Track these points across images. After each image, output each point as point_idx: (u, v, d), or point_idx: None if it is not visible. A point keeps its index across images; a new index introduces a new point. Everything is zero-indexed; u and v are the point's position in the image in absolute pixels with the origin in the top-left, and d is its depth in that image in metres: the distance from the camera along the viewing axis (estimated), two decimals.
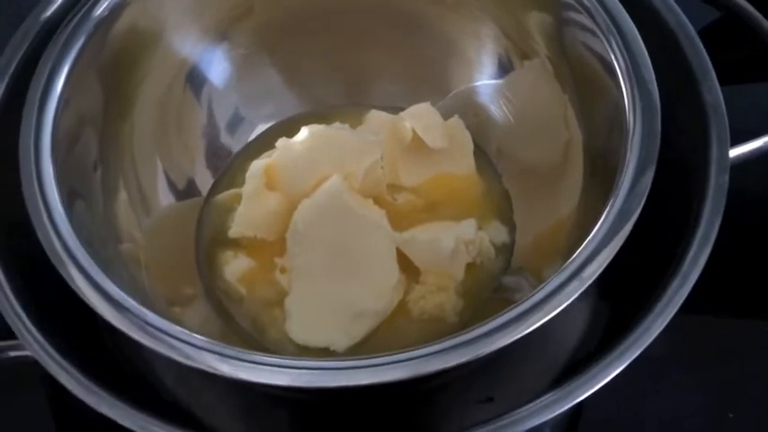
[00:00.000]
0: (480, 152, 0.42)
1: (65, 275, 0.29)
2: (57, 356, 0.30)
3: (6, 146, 0.32)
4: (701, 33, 0.36)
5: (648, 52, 0.33)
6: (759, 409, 0.39)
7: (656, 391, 0.39)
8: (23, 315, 0.31)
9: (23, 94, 0.34)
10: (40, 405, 0.39)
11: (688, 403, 0.39)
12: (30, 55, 0.35)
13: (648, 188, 0.30)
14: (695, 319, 0.40)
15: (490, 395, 0.36)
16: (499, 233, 0.40)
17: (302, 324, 0.36)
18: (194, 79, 0.41)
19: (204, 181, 0.42)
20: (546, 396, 0.29)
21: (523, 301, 0.28)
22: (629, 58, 0.33)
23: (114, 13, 0.36)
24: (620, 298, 0.36)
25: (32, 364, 0.31)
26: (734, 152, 0.34)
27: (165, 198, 0.40)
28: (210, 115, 0.42)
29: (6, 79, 0.35)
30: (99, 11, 0.35)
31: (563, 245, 0.35)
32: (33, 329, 0.31)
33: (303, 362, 0.27)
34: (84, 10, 0.35)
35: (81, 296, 0.29)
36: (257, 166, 0.39)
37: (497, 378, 0.36)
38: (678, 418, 0.38)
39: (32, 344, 0.30)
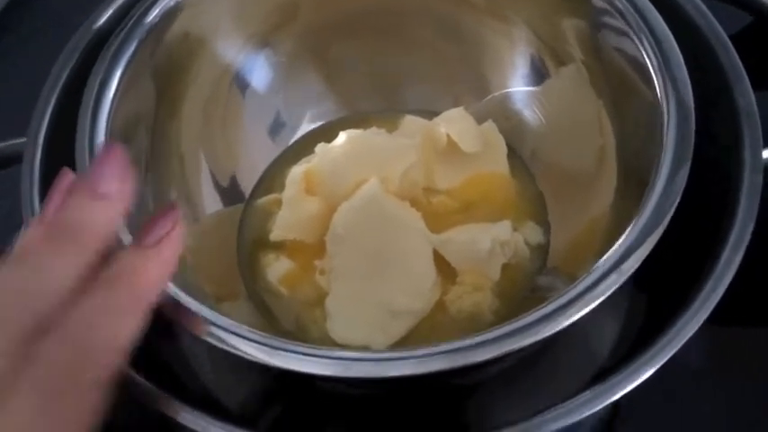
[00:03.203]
0: (514, 155, 0.42)
1: None
2: None
3: (63, 149, 0.34)
4: (733, 38, 0.36)
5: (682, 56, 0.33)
6: None
7: (693, 401, 0.39)
8: None
9: (77, 99, 0.35)
10: None
11: (725, 410, 0.39)
12: (83, 62, 0.37)
13: (684, 183, 0.30)
14: (730, 329, 0.41)
15: (522, 403, 0.37)
16: (534, 234, 0.40)
17: (342, 323, 0.37)
18: (239, 84, 0.42)
19: (247, 184, 0.43)
20: (582, 395, 0.29)
21: (564, 294, 0.28)
22: (661, 58, 0.33)
23: (164, 20, 0.37)
24: (655, 297, 0.37)
25: None
26: (767, 153, 0.34)
27: (210, 202, 0.41)
28: (253, 119, 0.43)
29: (60, 86, 0.37)
30: (150, 18, 0.37)
31: (597, 245, 0.35)
32: None
33: (350, 353, 0.28)
34: (135, 18, 0.36)
35: None
36: (297, 171, 0.41)
37: (534, 377, 0.37)
38: (716, 425, 0.39)
39: None
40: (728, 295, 0.30)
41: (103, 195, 0.24)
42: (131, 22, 0.36)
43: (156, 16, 0.37)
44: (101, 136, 0.34)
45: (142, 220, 0.34)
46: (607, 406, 0.39)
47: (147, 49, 0.36)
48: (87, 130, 0.34)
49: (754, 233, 0.31)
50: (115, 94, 0.35)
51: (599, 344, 0.38)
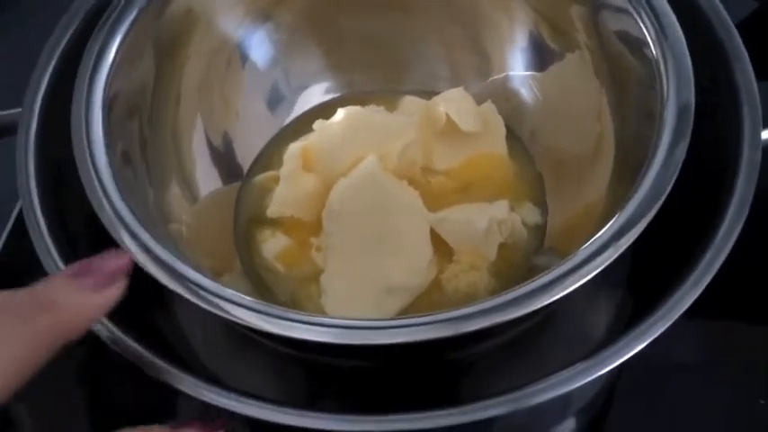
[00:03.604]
0: (514, 136, 0.42)
1: (115, 236, 0.30)
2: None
3: (60, 118, 0.34)
4: (738, 26, 0.36)
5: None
6: None
7: (689, 397, 0.39)
8: None
9: (75, 67, 0.35)
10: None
11: (721, 406, 0.39)
12: (82, 30, 0.36)
13: (683, 159, 0.30)
14: (726, 325, 0.41)
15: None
16: (532, 214, 0.40)
17: (337, 300, 0.37)
18: (238, 58, 0.42)
19: (245, 161, 0.43)
20: (566, 369, 0.29)
21: (559, 266, 0.28)
22: (660, 31, 0.33)
23: None
24: (652, 273, 0.36)
25: None
26: (766, 134, 0.33)
27: (207, 180, 0.41)
28: (252, 94, 0.43)
29: (58, 53, 0.36)
30: None
31: (593, 227, 0.34)
32: None
33: (344, 321, 0.28)
34: None
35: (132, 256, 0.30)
36: (295, 147, 0.40)
37: (531, 354, 0.37)
38: (712, 421, 0.39)
39: None
40: (725, 290, 0.30)
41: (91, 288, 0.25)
42: None
43: None
44: (97, 106, 0.33)
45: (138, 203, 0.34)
46: (601, 395, 0.39)
47: (147, 18, 0.36)
48: (84, 100, 0.33)
49: (752, 229, 0.31)
50: (113, 63, 0.34)
51: (596, 322, 0.37)
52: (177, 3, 0.38)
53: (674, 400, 0.39)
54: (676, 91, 0.32)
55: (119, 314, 0.30)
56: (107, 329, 0.30)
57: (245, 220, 0.41)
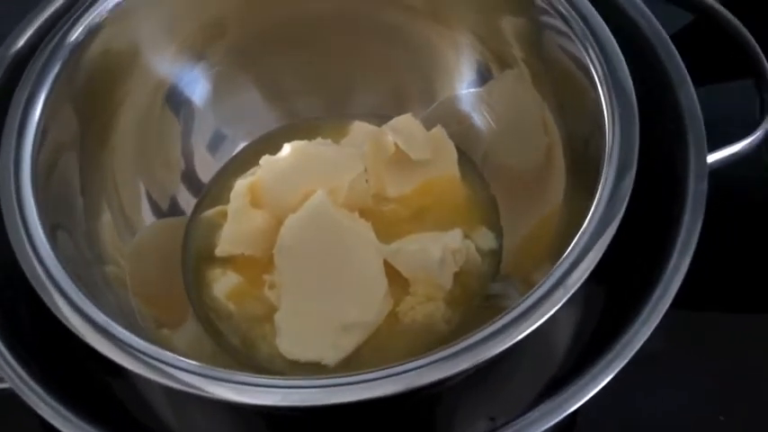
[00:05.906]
0: (466, 159, 0.42)
1: (48, 302, 0.29)
2: (36, 387, 0.30)
3: None
4: (675, 37, 0.36)
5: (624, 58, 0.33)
6: (747, 406, 0.39)
7: (650, 387, 0.39)
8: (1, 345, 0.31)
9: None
10: None
11: (679, 397, 0.39)
12: (2, 87, 0.35)
13: (629, 194, 0.30)
14: (686, 313, 0.40)
15: (485, 407, 0.37)
16: (486, 239, 0.40)
17: (292, 339, 0.36)
18: (173, 100, 0.41)
19: (187, 201, 0.42)
20: (536, 409, 0.29)
21: (511, 311, 0.28)
22: (605, 62, 0.33)
23: (88, 38, 0.36)
24: (605, 304, 0.36)
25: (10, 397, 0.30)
26: (712, 158, 0.34)
27: (148, 220, 0.40)
28: (191, 135, 0.42)
29: None
30: (73, 37, 0.35)
31: (549, 248, 0.35)
32: (12, 361, 0.30)
33: (293, 380, 0.27)
34: (58, 37, 0.35)
35: (64, 322, 0.29)
36: (241, 184, 0.40)
37: (491, 388, 0.37)
38: (671, 414, 0.39)
39: (11, 375, 0.30)
40: (687, 283, 0.30)
41: None
42: (54, 41, 0.35)
43: (79, 34, 0.35)
44: (26, 167, 0.32)
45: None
46: None
47: (71, 69, 0.35)
48: (12, 162, 0.32)
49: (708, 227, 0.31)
50: (39, 123, 0.33)
51: (553, 351, 0.37)
52: (95, 52, 0.36)
53: (640, 389, 0.39)
54: (621, 125, 0.32)
55: (71, 391, 0.30)
56: (57, 414, 0.29)
57: (195, 259, 0.40)
